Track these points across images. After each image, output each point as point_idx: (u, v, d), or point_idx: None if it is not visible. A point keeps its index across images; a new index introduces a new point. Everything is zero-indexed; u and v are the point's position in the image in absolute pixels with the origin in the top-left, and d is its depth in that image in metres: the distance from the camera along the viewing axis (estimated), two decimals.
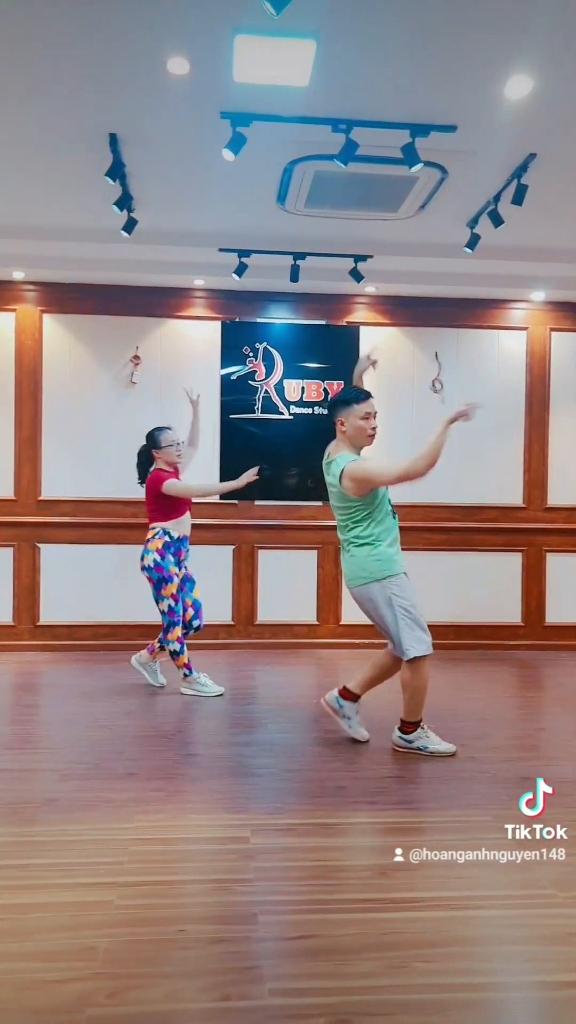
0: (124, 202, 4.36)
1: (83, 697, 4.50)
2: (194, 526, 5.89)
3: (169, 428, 4.68)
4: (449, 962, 2.03)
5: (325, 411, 6.07)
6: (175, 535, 4.55)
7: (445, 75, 3.24)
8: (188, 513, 4.63)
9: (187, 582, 4.63)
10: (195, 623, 4.64)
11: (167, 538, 4.52)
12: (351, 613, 6.04)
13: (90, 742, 3.73)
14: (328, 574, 6.08)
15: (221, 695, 4.55)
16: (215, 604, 6.01)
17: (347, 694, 3.69)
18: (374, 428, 3.52)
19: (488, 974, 2.01)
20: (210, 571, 5.97)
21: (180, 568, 4.58)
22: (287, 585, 6.10)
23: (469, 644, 6.10)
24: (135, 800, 3.02)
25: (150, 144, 3.92)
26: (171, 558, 4.50)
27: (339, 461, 3.48)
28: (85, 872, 2.45)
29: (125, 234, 4.63)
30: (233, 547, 6.05)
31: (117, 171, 3.99)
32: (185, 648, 4.57)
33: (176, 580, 4.52)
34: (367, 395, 3.52)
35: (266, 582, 6.05)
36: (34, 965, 1.98)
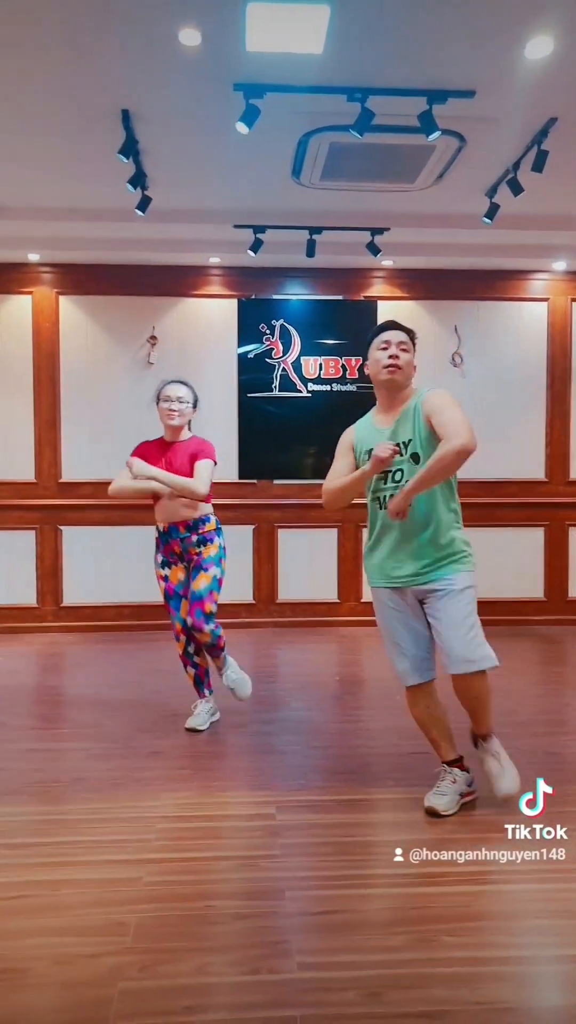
0: (138, 180, 4.31)
1: (108, 677, 4.53)
2: (214, 506, 5.92)
3: (175, 381, 3.69)
4: (477, 936, 2.04)
5: (344, 388, 6.02)
6: (160, 527, 3.71)
7: (463, 38, 3.16)
8: (166, 498, 3.61)
9: (193, 571, 3.67)
10: (188, 620, 3.59)
11: (156, 532, 3.76)
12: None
13: (116, 722, 3.77)
14: (348, 552, 6.07)
15: (192, 730, 3.63)
16: (236, 584, 6.01)
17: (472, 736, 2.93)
18: (391, 356, 2.74)
19: (516, 948, 2.02)
20: (230, 551, 5.93)
21: (178, 564, 3.71)
22: (308, 564, 6.09)
23: (492, 620, 5.97)
24: (161, 778, 3.05)
25: (163, 120, 3.87)
26: (159, 557, 3.74)
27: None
28: (114, 849, 2.48)
29: (139, 213, 4.59)
30: (253, 527, 6.05)
31: (130, 149, 3.95)
32: (188, 667, 3.74)
33: (161, 584, 3.73)
34: (389, 325, 2.86)
35: (287, 561, 6.05)
36: (66, 940, 2.01)
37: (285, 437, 5.97)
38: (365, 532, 2.95)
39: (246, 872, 2.36)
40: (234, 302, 5.98)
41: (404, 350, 2.78)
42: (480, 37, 3.15)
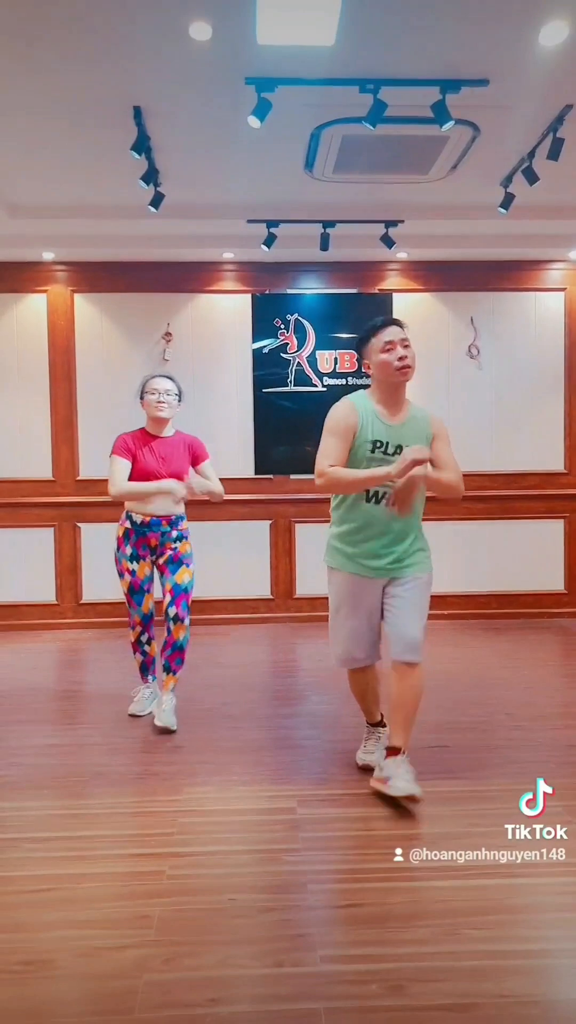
0: (150, 176, 4.31)
1: (127, 673, 4.55)
2: (231, 502, 5.93)
3: (161, 375, 3.77)
4: (499, 929, 2.04)
5: (359, 381, 6.00)
6: (137, 519, 3.66)
7: (476, 25, 3.12)
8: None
9: (171, 564, 3.69)
10: (171, 610, 3.63)
11: (127, 523, 3.69)
12: None
13: (136, 717, 3.79)
14: None
15: (135, 715, 3.79)
16: (254, 579, 6.04)
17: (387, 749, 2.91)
18: (401, 358, 2.79)
19: (539, 941, 2.01)
20: (248, 546, 6.00)
21: (147, 559, 3.71)
22: None
23: (511, 613, 6.03)
24: (182, 773, 3.07)
25: (175, 115, 3.86)
26: (128, 549, 3.68)
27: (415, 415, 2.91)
28: (136, 843, 2.50)
29: (152, 209, 4.59)
30: (270, 522, 6.05)
31: (142, 145, 3.95)
32: (137, 653, 3.87)
33: (127, 577, 3.70)
34: (386, 322, 2.89)
35: (304, 556, 6.04)
36: (90, 933, 2.03)
37: (301, 432, 5.95)
38: (334, 514, 3.01)
39: (268, 866, 2.36)
40: (248, 297, 5.98)
41: (407, 346, 2.84)
42: (494, 24, 3.11)
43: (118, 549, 3.74)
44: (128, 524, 3.69)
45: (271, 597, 6.06)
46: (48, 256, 5.77)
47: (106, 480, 3.60)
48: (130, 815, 2.72)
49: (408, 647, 2.78)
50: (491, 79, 3.49)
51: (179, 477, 3.63)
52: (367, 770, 3.02)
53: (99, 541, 5.89)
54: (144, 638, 3.83)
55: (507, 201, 4.67)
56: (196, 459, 3.72)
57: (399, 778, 2.71)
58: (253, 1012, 1.75)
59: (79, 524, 5.92)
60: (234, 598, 5.98)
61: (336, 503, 2.98)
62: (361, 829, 2.58)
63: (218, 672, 4.57)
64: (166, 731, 3.55)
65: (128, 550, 3.69)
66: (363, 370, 2.93)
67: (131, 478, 3.61)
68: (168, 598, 3.66)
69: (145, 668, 3.91)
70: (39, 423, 5.92)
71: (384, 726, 3.12)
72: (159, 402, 3.64)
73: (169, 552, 3.69)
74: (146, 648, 3.86)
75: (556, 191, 4.75)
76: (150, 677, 3.92)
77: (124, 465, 3.61)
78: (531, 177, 4.25)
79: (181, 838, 2.52)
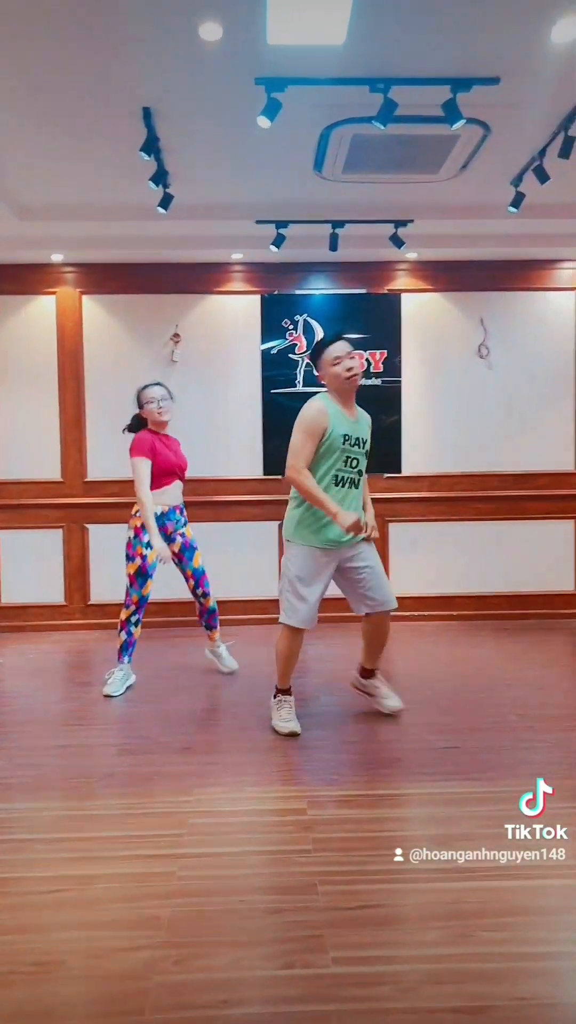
0: (159, 178, 4.31)
1: (136, 674, 4.54)
2: (239, 503, 5.94)
3: (153, 384, 4.26)
4: (514, 931, 2.02)
5: (368, 382, 5.98)
6: (158, 511, 4.13)
7: (487, 22, 3.10)
8: (175, 483, 4.22)
9: (186, 551, 4.25)
10: (198, 591, 4.34)
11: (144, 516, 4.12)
12: (401, 586, 6.00)
13: (145, 718, 3.78)
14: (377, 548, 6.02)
15: (109, 696, 4.10)
16: (262, 580, 6.02)
17: (363, 671, 3.82)
18: (349, 369, 3.35)
19: (554, 943, 1.99)
20: (256, 547, 5.99)
21: (172, 541, 4.21)
22: None
23: (521, 614, 6.00)
24: (192, 774, 3.06)
25: (184, 116, 3.86)
26: (146, 537, 4.08)
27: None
28: (145, 844, 2.49)
29: (162, 210, 4.59)
30: (278, 523, 6.03)
31: (151, 146, 3.95)
32: (123, 632, 4.20)
33: (137, 561, 4.11)
34: (334, 338, 3.44)
35: None
36: (100, 934, 2.02)
37: None
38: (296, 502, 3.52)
39: (279, 867, 2.35)
40: (257, 298, 5.97)
41: (353, 357, 3.37)
42: (505, 22, 3.09)
43: (135, 537, 4.12)
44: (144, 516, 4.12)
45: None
46: (57, 258, 5.78)
47: (114, 481, 3.79)
48: (140, 816, 2.71)
49: (389, 600, 3.60)
50: (502, 77, 3.48)
51: (184, 468, 4.28)
52: (376, 768, 3.02)
53: (107, 542, 5.89)
54: (135, 619, 4.19)
55: (517, 200, 4.65)
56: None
57: (387, 698, 3.70)
58: (264, 1014, 1.74)
59: (87, 525, 5.92)
60: (243, 599, 5.97)
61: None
62: (372, 830, 2.56)
63: (227, 673, 4.56)
64: (232, 673, 4.44)
65: (145, 538, 4.09)
66: (317, 379, 3.56)
67: (152, 473, 4.11)
68: (192, 582, 4.33)
69: (126, 647, 4.23)
70: (48, 425, 5.93)
71: (290, 693, 3.65)
72: (162, 409, 4.17)
73: (180, 539, 4.23)
74: (133, 629, 4.21)
75: (567, 190, 4.72)
76: (126, 658, 4.23)
77: (148, 465, 4.10)
78: (542, 176, 4.22)
79: (191, 839, 2.51)
